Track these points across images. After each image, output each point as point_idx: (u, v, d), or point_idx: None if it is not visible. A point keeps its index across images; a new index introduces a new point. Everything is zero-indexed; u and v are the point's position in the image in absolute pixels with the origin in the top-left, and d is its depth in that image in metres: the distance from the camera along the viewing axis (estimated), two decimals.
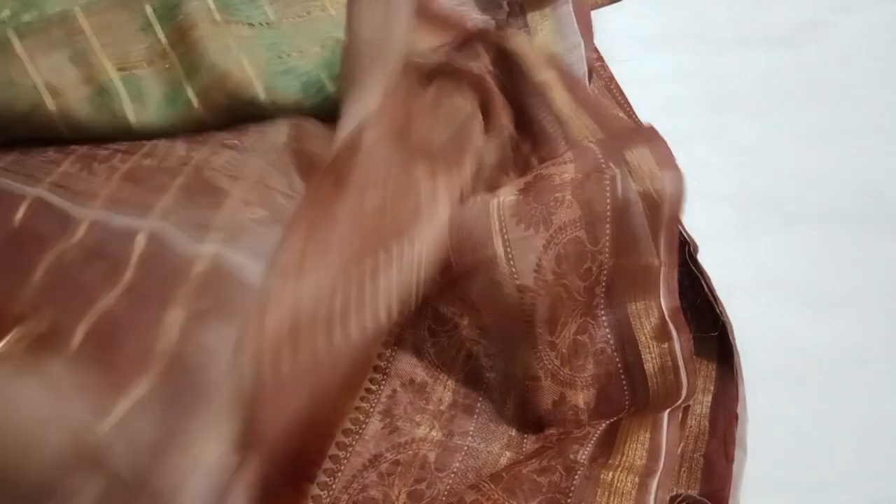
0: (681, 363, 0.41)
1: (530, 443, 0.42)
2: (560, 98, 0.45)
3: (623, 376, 0.42)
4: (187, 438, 0.28)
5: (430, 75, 0.44)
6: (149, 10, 0.49)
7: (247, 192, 0.39)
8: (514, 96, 0.45)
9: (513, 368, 0.42)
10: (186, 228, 0.36)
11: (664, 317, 0.42)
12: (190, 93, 0.46)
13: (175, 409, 0.29)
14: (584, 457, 0.38)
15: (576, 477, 0.37)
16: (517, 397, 0.43)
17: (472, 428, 0.41)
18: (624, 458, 0.38)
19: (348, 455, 0.39)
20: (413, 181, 0.37)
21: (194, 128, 0.48)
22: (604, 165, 0.40)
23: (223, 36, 0.48)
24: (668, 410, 0.39)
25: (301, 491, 0.37)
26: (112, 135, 0.47)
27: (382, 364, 0.42)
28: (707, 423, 0.42)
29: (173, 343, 0.31)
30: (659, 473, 0.36)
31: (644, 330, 0.42)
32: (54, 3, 0.48)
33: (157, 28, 0.49)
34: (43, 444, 0.28)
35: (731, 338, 0.42)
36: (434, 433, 0.41)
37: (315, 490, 0.37)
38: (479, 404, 0.42)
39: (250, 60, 0.47)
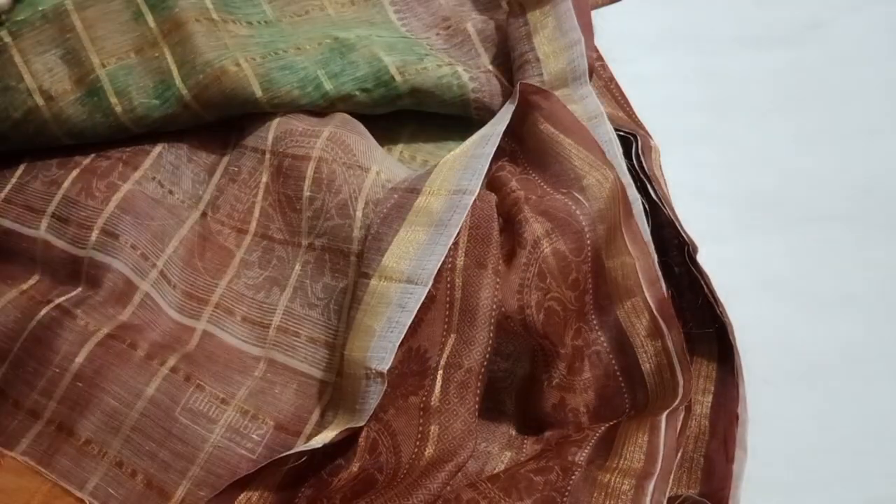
0: (675, 360, 0.41)
1: (530, 444, 0.42)
2: None
3: (621, 378, 0.42)
4: None
5: None
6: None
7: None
8: None
9: (514, 368, 0.42)
10: None
11: (653, 312, 0.42)
12: (182, 88, 0.46)
13: None
14: (581, 458, 0.38)
15: (572, 477, 0.37)
16: (517, 398, 0.43)
17: None
18: (622, 460, 0.38)
19: None
20: None
21: (191, 123, 0.48)
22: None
23: (219, 34, 0.48)
24: (665, 413, 0.39)
25: None
26: (108, 135, 0.47)
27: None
28: (707, 423, 0.42)
29: None
30: (656, 476, 0.36)
31: (637, 331, 0.42)
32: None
33: (149, 17, 0.48)
34: None
35: (731, 338, 0.42)
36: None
37: None
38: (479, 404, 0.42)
39: (246, 59, 0.47)
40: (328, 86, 0.48)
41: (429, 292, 0.39)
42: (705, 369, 0.44)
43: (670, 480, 0.38)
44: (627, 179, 0.45)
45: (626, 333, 0.43)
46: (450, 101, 0.51)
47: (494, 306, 0.39)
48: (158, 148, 0.48)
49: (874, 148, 0.54)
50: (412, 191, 0.43)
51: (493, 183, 0.45)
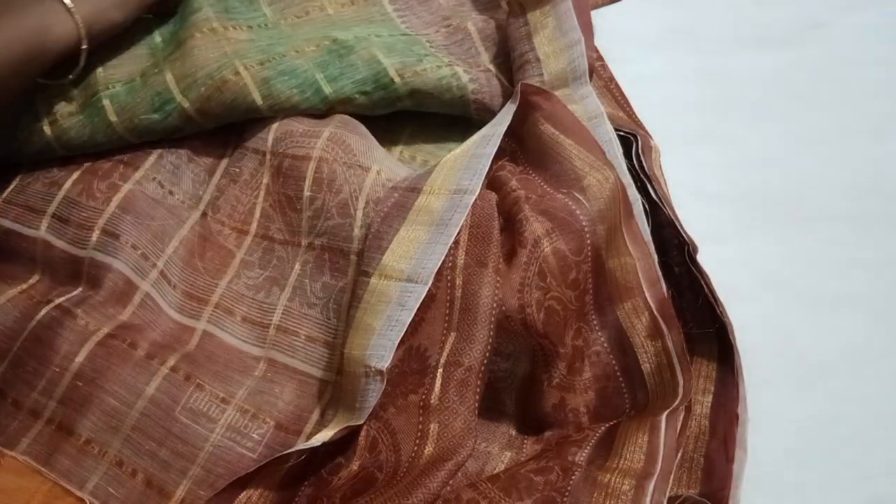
0: (675, 360, 0.41)
1: (530, 444, 0.42)
2: None
3: (621, 378, 0.42)
4: None
5: None
6: (157, 38, 0.51)
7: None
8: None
9: (514, 368, 0.42)
10: None
11: (653, 312, 0.42)
12: (184, 101, 0.46)
13: None
14: (581, 458, 0.38)
15: (572, 477, 0.37)
16: (517, 398, 0.43)
17: None
18: (622, 460, 0.38)
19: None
20: None
21: (191, 132, 0.48)
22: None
23: (219, 43, 0.48)
24: (665, 413, 0.39)
25: None
26: (107, 147, 0.47)
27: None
28: (707, 423, 0.42)
29: None
30: (656, 476, 0.36)
31: (637, 331, 0.42)
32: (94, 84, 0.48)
33: (160, 49, 0.50)
34: None
35: (731, 338, 0.42)
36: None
37: None
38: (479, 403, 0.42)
39: (245, 66, 0.47)
40: (327, 89, 0.48)
41: (429, 291, 0.39)
42: (705, 369, 0.44)
43: (670, 480, 0.38)
44: (628, 179, 0.45)
45: (626, 333, 0.43)
46: (449, 101, 0.51)
47: (495, 305, 0.39)
48: (159, 149, 0.48)
49: (874, 148, 0.54)
50: (413, 190, 0.43)
51: (493, 182, 0.45)
